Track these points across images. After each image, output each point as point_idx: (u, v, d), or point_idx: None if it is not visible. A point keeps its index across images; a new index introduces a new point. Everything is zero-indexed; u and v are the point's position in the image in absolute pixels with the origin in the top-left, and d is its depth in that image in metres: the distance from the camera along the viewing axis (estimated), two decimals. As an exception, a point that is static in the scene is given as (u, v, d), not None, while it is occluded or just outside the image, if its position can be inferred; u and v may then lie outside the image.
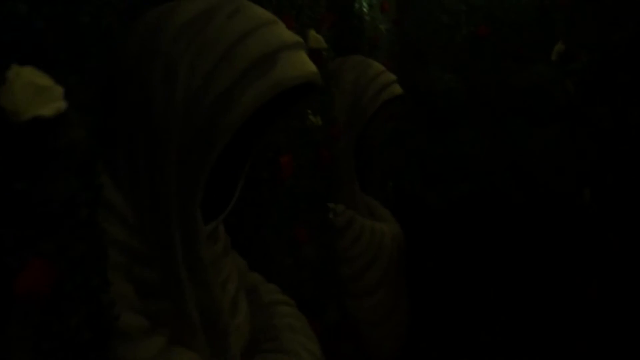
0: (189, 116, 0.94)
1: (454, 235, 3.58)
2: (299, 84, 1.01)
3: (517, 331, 3.50)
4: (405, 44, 3.92)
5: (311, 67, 1.05)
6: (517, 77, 3.81)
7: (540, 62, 3.75)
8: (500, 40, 3.93)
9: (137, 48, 1.00)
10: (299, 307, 1.35)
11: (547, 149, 3.58)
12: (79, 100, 0.77)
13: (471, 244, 3.56)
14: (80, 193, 0.77)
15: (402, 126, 3.64)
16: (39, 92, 0.70)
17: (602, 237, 2.91)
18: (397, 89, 2.62)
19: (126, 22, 1.07)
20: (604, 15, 2.79)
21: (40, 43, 0.73)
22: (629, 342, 2.80)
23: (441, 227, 3.59)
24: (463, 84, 3.78)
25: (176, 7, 1.03)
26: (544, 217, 3.47)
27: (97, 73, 0.92)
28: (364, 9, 2.98)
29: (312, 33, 1.97)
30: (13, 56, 0.71)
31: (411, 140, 3.65)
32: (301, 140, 1.71)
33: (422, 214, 3.57)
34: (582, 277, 3.17)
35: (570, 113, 3.11)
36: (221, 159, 1.04)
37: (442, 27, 3.98)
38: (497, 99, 3.93)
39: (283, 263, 1.58)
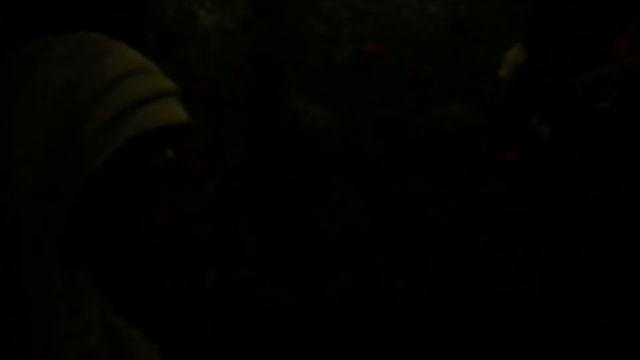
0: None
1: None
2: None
3: None
4: (259, 60, 2.63)
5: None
6: (422, 118, 2.60)
7: (456, 98, 2.55)
8: (398, 65, 2.70)
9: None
10: None
11: (468, 226, 2.34)
12: None
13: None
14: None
15: (238, 183, 2.29)
16: None
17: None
18: (171, 113, 1.26)
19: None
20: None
21: None
22: None
23: (296, 347, 2.25)
24: (340, 123, 2.51)
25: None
26: (461, 336, 2.23)
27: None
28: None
29: None
30: None
31: (251, 206, 2.30)
32: None
33: (263, 324, 2.21)
34: None
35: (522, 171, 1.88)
36: None
37: (315, 41, 2.71)
38: (391, 149, 2.67)
39: None
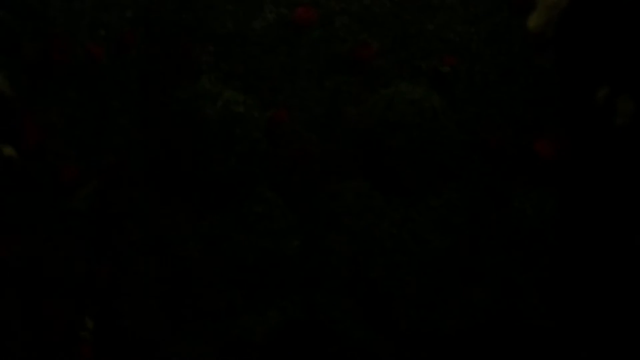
0: None
1: None
2: None
3: None
4: (155, 27, 2.02)
5: None
6: (365, 104, 2.07)
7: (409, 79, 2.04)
8: (335, 37, 2.16)
9: None
10: None
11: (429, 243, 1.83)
12: None
13: None
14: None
15: (123, 193, 1.67)
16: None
17: None
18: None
19: None
20: None
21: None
22: None
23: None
24: (260, 111, 1.93)
25: None
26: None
27: None
28: None
29: None
30: None
31: (142, 224, 1.68)
32: None
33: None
34: None
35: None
36: None
37: (228, 4, 2.13)
38: (326, 144, 2.13)
39: None
